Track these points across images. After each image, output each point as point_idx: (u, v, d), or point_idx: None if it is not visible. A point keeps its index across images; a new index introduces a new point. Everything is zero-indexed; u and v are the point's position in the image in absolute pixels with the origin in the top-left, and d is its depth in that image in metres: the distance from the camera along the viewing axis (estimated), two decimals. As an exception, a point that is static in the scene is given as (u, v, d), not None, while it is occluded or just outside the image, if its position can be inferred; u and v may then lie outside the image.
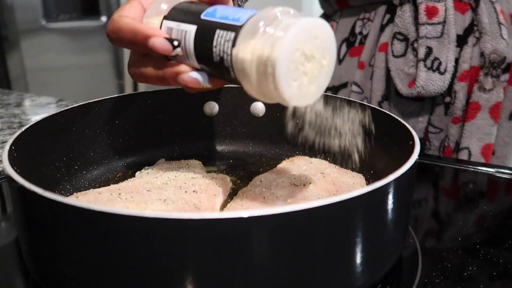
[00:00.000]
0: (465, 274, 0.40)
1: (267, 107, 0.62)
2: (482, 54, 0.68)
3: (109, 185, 0.48)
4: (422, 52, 0.68)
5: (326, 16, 0.87)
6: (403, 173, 0.35)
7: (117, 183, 0.49)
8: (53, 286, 0.36)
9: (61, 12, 2.08)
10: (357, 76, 0.77)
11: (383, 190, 0.34)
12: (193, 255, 0.30)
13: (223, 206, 0.48)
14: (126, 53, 2.15)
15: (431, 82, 0.67)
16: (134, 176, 0.53)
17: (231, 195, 0.50)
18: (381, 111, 0.51)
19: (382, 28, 0.74)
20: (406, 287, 0.39)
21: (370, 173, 0.52)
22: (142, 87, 2.23)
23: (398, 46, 0.71)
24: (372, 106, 0.53)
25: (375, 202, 0.34)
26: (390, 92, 0.73)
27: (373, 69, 0.74)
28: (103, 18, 2.14)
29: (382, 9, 0.75)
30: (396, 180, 0.34)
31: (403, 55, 0.70)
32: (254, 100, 0.63)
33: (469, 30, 0.68)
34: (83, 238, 0.31)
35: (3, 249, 0.45)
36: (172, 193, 0.45)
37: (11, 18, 1.97)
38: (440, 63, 0.67)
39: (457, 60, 0.69)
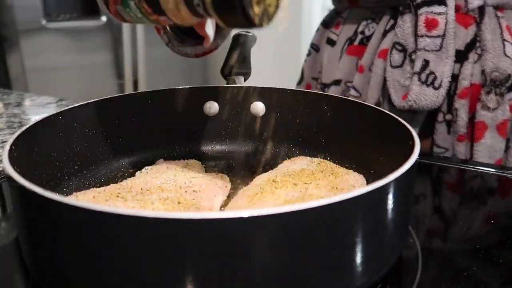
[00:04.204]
0: (465, 274, 0.40)
1: (268, 107, 0.62)
2: (483, 72, 0.65)
3: (109, 185, 0.48)
4: (418, 65, 0.66)
5: (336, 13, 0.85)
6: (403, 173, 0.35)
7: (117, 183, 0.49)
8: (53, 286, 0.36)
9: (61, 12, 2.08)
10: (356, 80, 0.76)
11: (383, 190, 0.34)
12: (193, 255, 0.30)
13: (223, 206, 0.48)
14: (126, 53, 2.16)
15: (424, 97, 0.65)
16: (134, 176, 0.53)
17: (231, 195, 0.50)
18: (382, 110, 0.51)
19: (384, 34, 0.73)
20: (406, 287, 0.39)
21: (370, 173, 0.52)
22: (142, 87, 2.23)
23: (396, 56, 0.69)
24: (372, 106, 0.53)
25: (375, 202, 0.34)
26: (384, 100, 0.72)
27: (370, 74, 0.73)
28: (103, 18, 2.14)
29: (388, 14, 0.73)
30: (396, 180, 0.34)
31: (401, 66, 0.69)
32: (254, 100, 0.63)
33: (471, 45, 0.66)
34: (83, 238, 0.31)
35: (3, 249, 0.45)
36: (172, 193, 0.45)
37: (11, 18, 1.97)
38: (435, 78, 0.65)
39: (457, 77, 0.67)
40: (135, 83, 2.24)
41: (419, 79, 0.66)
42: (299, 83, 0.93)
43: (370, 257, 0.35)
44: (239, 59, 0.70)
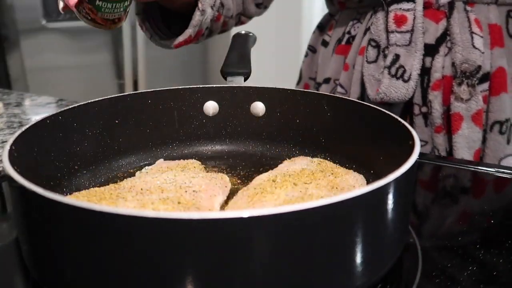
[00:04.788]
0: (465, 274, 0.40)
1: (268, 107, 0.62)
2: (453, 64, 0.67)
3: (109, 185, 0.48)
4: (389, 59, 0.69)
5: (330, 16, 0.88)
6: (403, 173, 0.35)
7: (117, 183, 0.49)
8: (53, 286, 0.36)
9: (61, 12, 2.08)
10: (342, 78, 0.79)
11: (383, 190, 0.34)
12: (193, 255, 0.30)
13: (223, 206, 0.48)
14: (126, 53, 2.16)
15: (394, 89, 0.68)
16: (134, 176, 0.53)
17: (231, 195, 0.50)
18: (381, 110, 0.51)
19: (365, 32, 0.75)
20: (406, 287, 0.39)
21: (370, 173, 0.52)
22: (142, 87, 2.23)
23: (371, 52, 0.72)
24: (372, 106, 0.53)
25: (375, 202, 0.34)
26: (365, 94, 0.74)
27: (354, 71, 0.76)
28: (103, 18, 2.14)
29: (370, 13, 0.76)
30: (396, 180, 0.34)
31: (375, 61, 0.72)
32: (254, 100, 0.63)
33: (442, 39, 0.68)
34: (83, 238, 0.31)
35: (3, 249, 0.45)
36: (172, 193, 0.45)
37: (11, 18, 1.97)
38: (404, 71, 0.68)
39: (429, 70, 0.69)
40: (135, 83, 2.24)
41: (389, 73, 0.69)
42: (297, 83, 0.96)
43: (370, 257, 0.35)
44: (239, 59, 0.70)
